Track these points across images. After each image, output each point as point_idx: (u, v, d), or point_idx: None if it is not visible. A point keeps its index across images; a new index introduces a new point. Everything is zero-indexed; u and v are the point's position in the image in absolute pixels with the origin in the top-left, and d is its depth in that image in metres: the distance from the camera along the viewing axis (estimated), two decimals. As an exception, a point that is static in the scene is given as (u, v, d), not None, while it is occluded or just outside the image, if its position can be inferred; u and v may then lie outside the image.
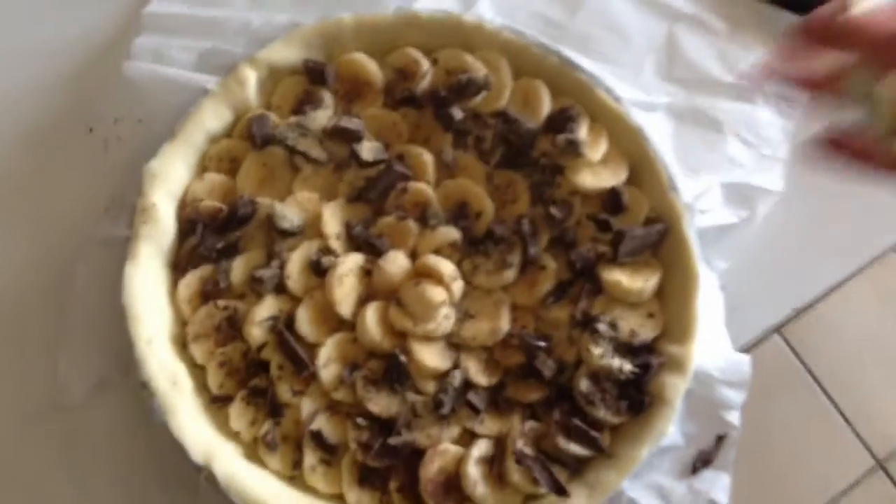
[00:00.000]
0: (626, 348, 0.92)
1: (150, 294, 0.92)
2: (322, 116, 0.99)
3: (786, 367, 2.13)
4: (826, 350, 2.13)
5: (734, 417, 0.92)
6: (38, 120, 1.05)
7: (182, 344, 0.94)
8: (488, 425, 0.92)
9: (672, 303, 0.94)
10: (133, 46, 1.03)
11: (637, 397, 0.90)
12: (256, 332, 0.92)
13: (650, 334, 0.93)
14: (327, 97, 1.01)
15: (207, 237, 0.95)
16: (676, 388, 0.89)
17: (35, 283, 0.98)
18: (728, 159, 1.04)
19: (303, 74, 1.01)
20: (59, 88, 1.06)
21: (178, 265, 0.96)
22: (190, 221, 0.95)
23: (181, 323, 0.95)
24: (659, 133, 1.01)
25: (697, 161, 1.03)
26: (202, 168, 0.99)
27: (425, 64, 1.01)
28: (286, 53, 0.99)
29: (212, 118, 0.97)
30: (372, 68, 1.00)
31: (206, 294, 0.95)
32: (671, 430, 0.89)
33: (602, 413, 0.90)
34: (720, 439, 0.92)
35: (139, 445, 0.93)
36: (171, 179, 0.95)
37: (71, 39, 1.08)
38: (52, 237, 1.01)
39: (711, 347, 0.93)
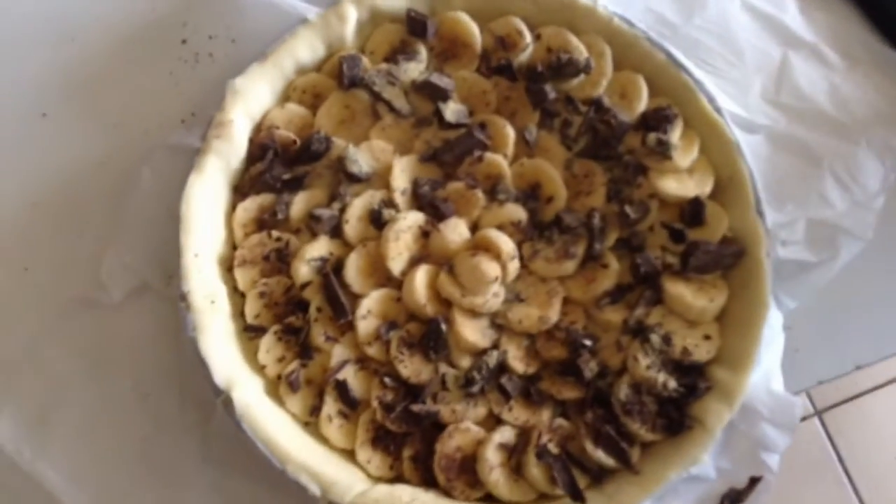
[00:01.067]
0: (674, 365, 0.88)
1: (207, 209, 0.91)
2: (414, 69, 0.97)
3: (819, 452, 2.05)
4: (863, 444, 2.06)
5: (773, 461, 0.87)
6: (135, 22, 1.04)
7: (228, 267, 0.92)
8: (516, 413, 0.88)
9: (732, 329, 0.89)
10: (244, -35, 1.01)
11: (676, 417, 0.86)
12: (304, 270, 0.90)
13: (703, 356, 0.88)
14: (423, 51, 0.99)
15: (275, 166, 0.93)
16: (720, 416, 0.85)
17: (100, 177, 0.98)
18: (820, 196, 0.99)
19: (403, 24, 0.99)
20: (162, -6, 1.05)
21: (241, 188, 0.95)
22: (262, 147, 0.94)
23: (231, 245, 0.93)
24: (753, 154, 0.97)
25: (787, 191, 0.98)
26: (285, 97, 0.98)
27: (528, 36, 0.98)
28: (392, -1, 0.97)
29: (305, 48, 0.96)
30: (473, 30, 0.98)
31: (262, 222, 0.94)
32: (705, 460, 0.84)
33: (637, 426, 0.86)
34: (754, 481, 0.87)
35: (164, 358, 0.92)
36: (252, 100, 0.94)
37: (183, -52, 1.07)
38: (124, 137, 1.00)
39: (763, 384, 0.88)
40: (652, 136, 0.93)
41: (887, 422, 2.15)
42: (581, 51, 0.97)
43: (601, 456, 0.85)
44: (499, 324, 0.91)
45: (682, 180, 0.94)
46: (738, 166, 0.93)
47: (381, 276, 0.92)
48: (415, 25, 0.98)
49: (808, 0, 1.09)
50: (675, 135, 0.94)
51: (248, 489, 0.88)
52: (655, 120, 0.94)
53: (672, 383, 0.86)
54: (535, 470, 0.84)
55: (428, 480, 0.87)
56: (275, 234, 0.92)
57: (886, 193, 1.01)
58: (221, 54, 1.03)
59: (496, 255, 0.90)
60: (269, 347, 0.90)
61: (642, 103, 0.96)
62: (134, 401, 0.92)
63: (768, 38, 1.07)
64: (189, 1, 1.05)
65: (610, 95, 0.97)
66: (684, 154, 0.94)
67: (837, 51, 1.07)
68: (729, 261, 0.90)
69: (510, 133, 0.96)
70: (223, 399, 0.84)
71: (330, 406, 0.88)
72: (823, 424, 2.08)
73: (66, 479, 0.88)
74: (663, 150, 0.92)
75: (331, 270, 0.90)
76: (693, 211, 0.92)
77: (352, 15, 0.97)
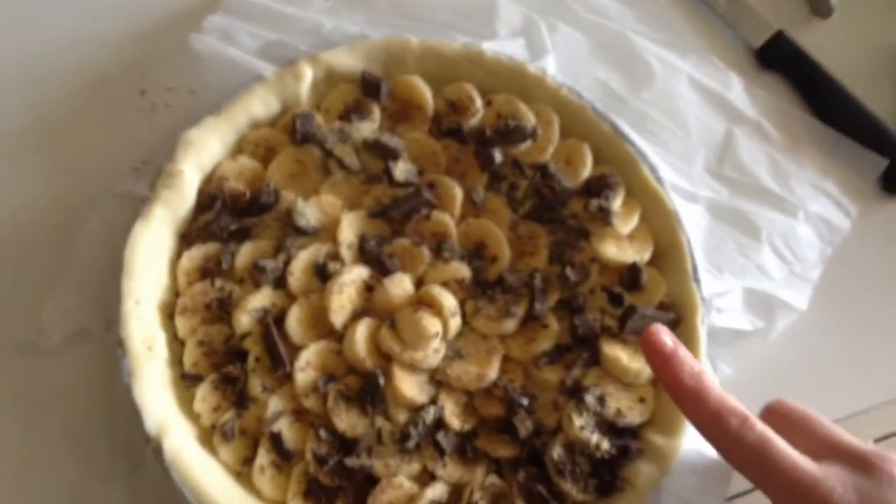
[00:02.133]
0: (608, 427, 0.89)
1: (151, 256, 0.91)
2: (366, 128, 0.99)
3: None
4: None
5: (703, 527, 0.87)
6: (94, 71, 1.07)
7: (168, 314, 0.92)
8: (450, 470, 0.88)
9: (667, 393, 0.90)
10: (205, 21, 1.04)
11: (608, 478, 0.86)
12: (245, 320, 0.90)
13: (637, 419, 0.89)
14: (376, 111, 1.01)
15: (223, 216, 0.94)
16: (651, 479, 0.85)
17: (48, 220, 0.98)
18: (758, 267, 1.02)
19: (357, 85, 1.01)
20: (123, 45, 1.08)
21: (188, 237, 0.96)
22: (211, 197, 0.95)
23: (174, 293, 0.93)
24: (693, 224, 1.00)
25: (725, 261, 1.01)
26: (237, 150, 0.99)
27: (479, 102, 1.01)
28: (348, 60, 1.00)
29: (259, 104, 0.98)
30: (426, 94, 1.01)
31: (206, 271, 0.94)
32: (635, 522, 0.84)
33: (569, 486, 0.86)
34: (683, 545, 0.87)
35: (98, 404, 0.91)
36: (204, 152, 0.95)
37: (147, 2, 1.10)
38: (73, 183, 1.01)
39: (696, 448, 0.88)
40: (594, 202, 0.95)
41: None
42: (529, 118, 1.00)
43: (532, 516, 0.85)
44: (438, 380, 0.91)
45: (622, 246, 0.96)
46: (677, 235, 0.95)
47: (322, 328, 0.92)
48: (369, 86, 1.01)
49: (753, 80, 1.14)
50: (617, 202, 0.96)
51: (175, 540, 0.86)
52: (598, 187, 0.96)
53: (605, 444, 0.87)
54: (465, 528, 0.83)
55: (358, 536, 0.86)
56: (218, 282, 0.93)
57: (823, 266, 1.04)
58: (179, 105, 1.05)
59: (438, 311, 0.91)
60: (204, 396, 0.89)
61: (587, 170, 0.99)
62: (64, 447, 0.90)
63: (713, 113, 1.11)
64: (150, 52, 1.07)
65: (556, 161, 1.00)
66: (625, 221, 0.96)
67: (779, 128, 1.11)
68: (664, 326, 0.92)
69: (458, 193, 0.98)
70: (153, 446, 0.83)
71: (263, 457, 0.87)
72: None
73: (-11, 524, 0.87)
74: (604, 217, 0.94)
75: (272, 321, 0.90)
76: (631, 276, 0.94)
77: (307, 74, 0.99)
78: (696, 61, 1.12)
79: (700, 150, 1.08)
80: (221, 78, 1.01)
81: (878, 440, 1.04)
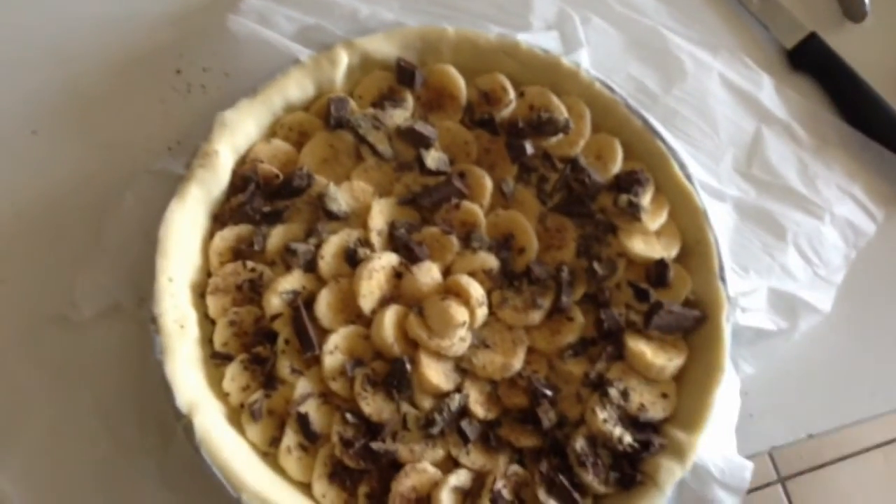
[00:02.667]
0: (630, 421, 0.90)
1: (185, 235, 0.92)
2: (399, 116, 1.00)
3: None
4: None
5: (721, 522, 0.88)
6: (130, 50, 1.07)
7: (200, 293, 0.94)
8: (473, 458, 0.89)
9: (689, 390, 0.91)
10: (242, 3, 1.05)
11: (629, 472, 0.87)
12: (275, 302, 0.91)
13: (659, 414, 0.90)
14: (409, 99, 1.02)
15: (256, 198, 0.95)
16: (672, 473, 0.86)
17: (83, 197, 1.00)
18: (782, 268, 1.03)
19: (392, 72, 1.02)
20: (160, 25, 1.08)
21: (220, 217, 0.97)
22: (244, 179, 0.96)
23: (205, 273, 0.95)
24: (721, 223, 1.00)
25: (751, 261, 1.02)
26: (271, 132, 1.00)
27: (512, 93, 1.01)
28: (383, 47, 1.01)
29: (295, 87, 0.99)
30: (460, 83, 1.01)
31: (238, 252, 0.95)
32: (654, 516, 0.85)
33: (590, 478, 0.87)
34: (701, 541, 0.88)
35: (129, 380, 0.93)
36: (238, 133, 0.96)
37: (187, -18, 1.11)
38: (107, 160, 1.02)
39: (716, 446, 0.90)
40: (623, 198, 0.96)
41: (850, 492, 2.17)
42: (562, 111, 1.00)
43: (553, 505, 0.86)
44: (463, 368, 0.92)
45: (649, 242, 0.97)
46: (705, 233, 0.96)
47: (350, 313, 0.93)
48: (404, 74, 1.01)
49: (784, 80, 1.14)
50: (646, 198, 0.97)
51: (202, 516, 0.88)
52: (628, 182, 0.97)
53: (627, 438, 0.88)
54: (487, 515, 0.85)
55: (381, 519, 0.87)
56: (250, 264, 0.94)
57: (847, 269, 1.05)
58: (213, 87, 1.06)
59: (465, 300, 0.92)
60: (234, 375, 0.90)
61: (617, 165, 0.99)
62: (95, 420, 0.92)
63: (743, 112, 1.11)
64: (186, 33, 1.08)
65: (586, 155, 1.00)
66: (653, 217, 0.97)
67: (808, 130, 1.11)
68: (690, 324, 0.93)
69: (488, 184, 0.98)
70: (184, 423, 0.84)
71: (290, 438, 0.88)
72: (787, 492, 2.09)
73: (22, 493, 0.88)
74: (633, 212, 0.95)
75: (302, 304, 0.91)
76: (658, 272, 0.95)
77: (343, 60, 1.00)
78: (728, 59, 1.13)
79: (729, 148, 1.09)
80: (257, 60, 1.02)
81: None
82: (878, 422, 1.00)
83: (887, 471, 2.23)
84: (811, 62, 1.17)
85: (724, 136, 1.09)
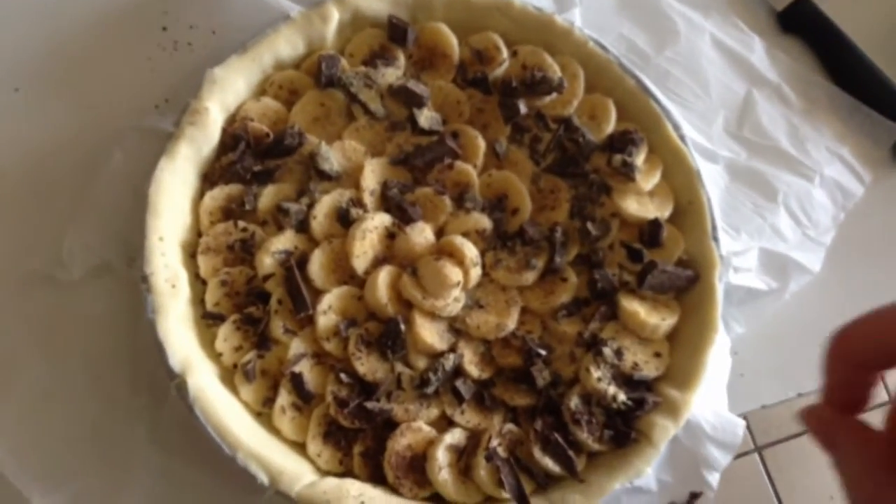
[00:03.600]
0: (624, 379, 0.91)
1: (175, 194, 0.91)
2: (391, 74, 0.99)
3: (756, 488, 2.10)
4: (801, 483, 2.11)
5: (714, 479, 0.89)
6: (117, 6, 1.05)
7: (191, 253, 0.93)
8: (468, 417, 0.90)
9: (682, 348, 0.92)
10: (229, -42, 1.02)
11: (623, 430, 0.88)
12: (268, 261, 0.91)
13: (652, 372, 0.91)
14: (401, 57, 1.01)
15: (247, 157, 0.94)
16: (665, 431, 0.87)
17: (68, 155, 0.97)
18: (773, 228, 1.03)
19: (383, 29, 1.01)
20: (144, -21, 1.06)
21: (210, 176, 0.95)
22: (234, 137, 0.94)
23: (196, 232, 0.93)
24: (713, 183, 1.00)
25: (742, 221, 1.03)
26: (261, 90, 0.98)
27: (505, 52, 1.00)
28: (375, 4, 0.99)
29: (285, 44, 0.97)
30: (452, 42, 1.00)
31: (229, 212, 0.94)
32: (648, 472, 0.86)
33: (584, 436, 0.87)
34: (694, 497, 0.90)
35: (119, 340, 0.92)
36: (228, 91, 0.94)
37: (171, -65, 1.08)
38: (93, 118, 1.00)
39: (709, 404, 0.90)
40: (617, 157, 0.95)
41: (824, 461, 2.21)
42: (555, 70, 0.99)
43: (548, 463, 0.86)
44: (457, 328, 0.92)
45: (643, 202, 0.97)
46: (698, 193, 0.96)
47: (343, 273, 0.93)
48: (395, 32, 1.00)
49: (774, 43, 1.14)
50: (640, 158, 0.97)
51: (194, 475, 0.87)
52: (622, 142, 0.97)
53: (621, 396, 0.88)
54: (483, 472, 0.85)
55: (376, 477, 0.87)
56: (241, 224, 0.93)
57: (836, 230, 1.06)
58: (200, 44, 1.04)
59: (459, 260, 0.91)
60: (226, 336, 0.90)
61: (610, 125, 0.99)
62: (85, 381, 0.91)
63: (734, 74, 1.11)
64: (172, -12, 1.05)
65: (580, 115, 1.00)
66: (647, 177, 0.97)
67: (798, 92, 1.12)
68: (683, 283, 0.93)
69: (481, 144, 0.98)
70: (177, 383, 0.83)
71: (284, 398, 0.88)
72: (763, 461, 2.13)
73: (10, 453, 0.87)
74: (627, 172, 0.95)
75: (294, 264, 0.90)
76: (652, 232, 0.95)
77: (334, 16, 0.98)
78: (719, 22, 1.12)
79: (720, 110, 1.09)
80: (245, 17, 1.00)
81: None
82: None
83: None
84: (801, 24, 1.17)
85: (715, 97, 1.09)
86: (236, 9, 1.01)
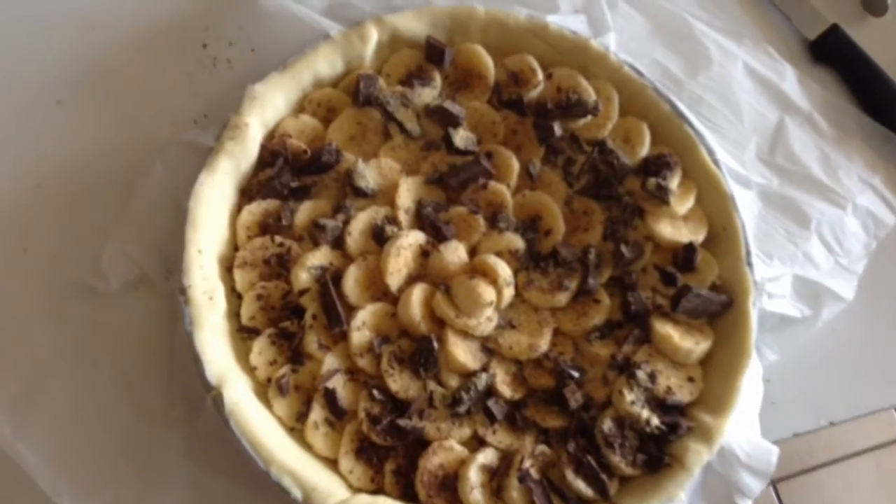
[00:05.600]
0: (657, 403, 0.90)
1: (214, 208, 0.92)
2: (427, 94, 1.00)
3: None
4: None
5: (746, 506, 0.89)
6: (158, 22, 1.06)
7: (227, 267, 0.93)
8: (500, 437, 0.90)
9: (715, 374, 0.92)
10: (273, -23, 1.04)
11: (656, 454, 0.87)
12: (303, 276, 0.91)
13: (686, 397, 0.91)
14: (438, 78, 1.02)
15: (284, 173, 0.95)
16: (699, 456, 0.86)
17: (107, 168, 0.99)
18: (805, 255, 1.03)
19: (421, 50, 1.02)
20: (188, -2, 1.08)
21: (248, 191, 0.96)
22: (273, 153, 0.95)
23: (233, 246, 0.94)
24: (746, 209, 1.00)
25: (775, 247, 1.03)
26: (300, 108, 1.00)
27: (540, 74, 1.01)
28: (413, 25, 1.00)
29: (324, 63, 0.98)
30: (488, 63, 1.01)
31: (266, 227, 0.95)
32: (681, 498, 0.86)
33: (617, 459, 0.87)
34: (726, 523, 0.89)
35: (155, 351, 0.92)
36: (268, 107, 0.96)
37: (214, -46, 1.09)
38: (133, 132, 1.01)
39: (742, 430, 0.90)
40: (652, 181, 0.96)
41: (840, 496, 2.18)
42: (590, 93, 1.00)
43: (581, 485, 0.86)
44: (489, 348, 0.92)
45: (677, 226, 0.97)
46: (732, 218, 0.96)
47: (377, 290, 0.93)
48: (433, 52, 1.01)
49: (806, 71, 1.15)
50: (674, 182, 0.97)
51: (226, 489, 0.88)
52: (656, 166, 0.97)
53: (655, 420, 0.88)
54: (515, 493, 0.85)
55: (407, 495, 0.87)
56: (277, 239, 0.93)
57: (868, 259, 1.05)
58: (239, 61, 1.05)
59: (493, 280, 0.92)
60: (261, 350, 0.90)
61: (645, 149, 1.00)
62: (120, 391, 0.91)
63: (767, 101, 1.12)
64: (212, 6, 1.07)
65: (614, 138, 1.00)
66: (681, 201, 0.97)
67: (830, 121, 1.12)
68: (717, 308, 0.93)
69: (515, 165, 0.98)
70: (213, 396, 0.84)
71: (317, 413, 0.88)
72: (777, 494, 2.11)
73: (44, 462, 0.87)
74: (662, 195, 0.95)
75: (329, 280, 0.91)
76: (686, 256, 0.95)
77: (373, 36, 0.99)
78: (752, 49, 1.13)
79: (752, 136, 1.09)
80: (284, 35, 1.02)
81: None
82: (871, 425, 1.01)
83: (878, 476, 2.25)
84: (833, 54, 1.18)
85: (747, 123, 1.09)
86: (276, 26, 1.02)
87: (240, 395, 0.85)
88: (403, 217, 0.96)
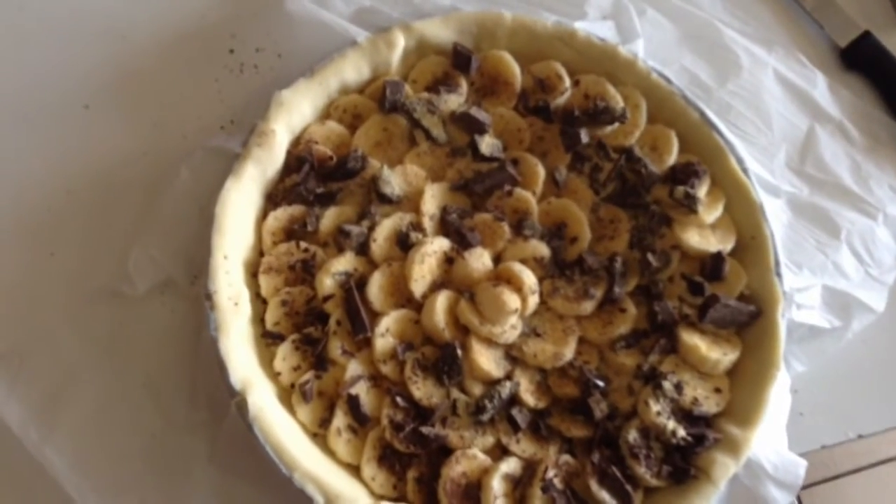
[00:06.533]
0: (683, 414, 0.89)
1: (240, 213, 0.92)
2: (454, 101, 1.00)
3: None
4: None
5: (773, 520, 0.87)
6: (186, 28, 1.07)
7: (252, 272, 0.93)
8: (523, 446, 0.89)
9: (743, 385, 0.91)
10: (299, -17, 1.04)
11: (682, 466, 0.86)
12: (328, 283, 0.91)
13: (713, 408, 0.90)
14: (464, 84, 1.01)
15: (310, 179, 0.95)
16: (726, 468, 0.85)
17: (134, 172, 0.99)
18: (835, 266, 1.02)
19: (448, 57, 1.01)
20: (214, 5, 1.08)
21: (274, 197, 0.96)
22: (299, 159, 0.95)
23: (258, 252, 0.95)
24: (775, 218, 0.99)
25: (804, 257, 1.02)
26: (326, 114, 1.00)
27: (567, 81, 1.00)
28: (440, 31, 1.00)
29: (351, 69, 0.98)
30: (515, 70, 1.01)
31: (291, 232, 0.95)
32: (707, 510, 0.85)
33: (642, 470, 0.86)
34: (753, 537, 0.88)
35: (180, 356, 0.93)
36: (294, 113, 0.96)
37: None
38: (163, 136, 1.02)
39: (769, 442, 0.89)
40: (680, 189, 0.95)
41: (863, 504, 2.15)
42: (618, 100, 0.99)
43: (605, 496, 0.85)
44: (513, 356, 0.92)
45: (705, 235, 0.96)
46: (761, 228, 0.95)
47: (401, 296, 0.93)
48: (459, 59, 1.01)
49: (837, 79, 1.14)
50: (703, 190, 0.96)
51: (249, 494, 0.88)
52: (684, 174, 0.96)
53: (681, 431, 0.87)
54: (538, 503, 0.84)
55: (429, 503, 0.86)
56: (303, 244, 0.94)
57: (898, 271, 1.04)
58: (266, 67, 1.06)
59: (518, 287, 0.91)
60: (285, 355, 0.90)
61: (672, 157, 0.99)
62: (145, 395, 0.92)
63: (797, 109, 1.10)
64: (239, 12, 1.07)
65: (641, 146, 1.00)
66: (709, 210, 0.96)
67: (861, 129, 1.11)
68: (745, 318, 0.92)
69: (541, 172, 0.98)
70: (238, 401, 0.84)
71: (340, 419, 0.88)
72: (800, 502, 2.08)
73: (70, 465, 0.88)
74: (690, 204, 0.94)
75: (354, 286, 0.91)
76: (714, 266, 0.94)
77: (400, 42, 0.99)
78: (782, 56, 1.12)
79: (782, 145, 1.08)
80: (311, 41, 1.02)
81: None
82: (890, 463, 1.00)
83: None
84: (864, 61, 1.16)
85: (777, 132, 1.08)
86: (302, 33, 1.03)
87: (264, 401, 0.85)
88: (428, 224, 0.95)
